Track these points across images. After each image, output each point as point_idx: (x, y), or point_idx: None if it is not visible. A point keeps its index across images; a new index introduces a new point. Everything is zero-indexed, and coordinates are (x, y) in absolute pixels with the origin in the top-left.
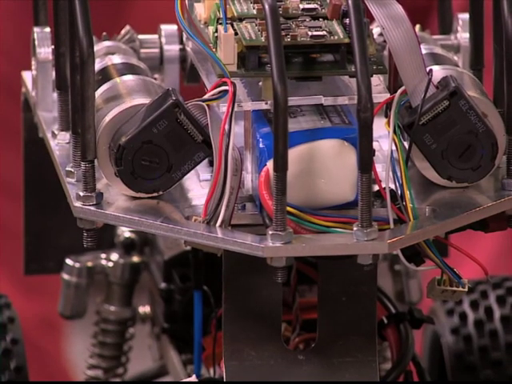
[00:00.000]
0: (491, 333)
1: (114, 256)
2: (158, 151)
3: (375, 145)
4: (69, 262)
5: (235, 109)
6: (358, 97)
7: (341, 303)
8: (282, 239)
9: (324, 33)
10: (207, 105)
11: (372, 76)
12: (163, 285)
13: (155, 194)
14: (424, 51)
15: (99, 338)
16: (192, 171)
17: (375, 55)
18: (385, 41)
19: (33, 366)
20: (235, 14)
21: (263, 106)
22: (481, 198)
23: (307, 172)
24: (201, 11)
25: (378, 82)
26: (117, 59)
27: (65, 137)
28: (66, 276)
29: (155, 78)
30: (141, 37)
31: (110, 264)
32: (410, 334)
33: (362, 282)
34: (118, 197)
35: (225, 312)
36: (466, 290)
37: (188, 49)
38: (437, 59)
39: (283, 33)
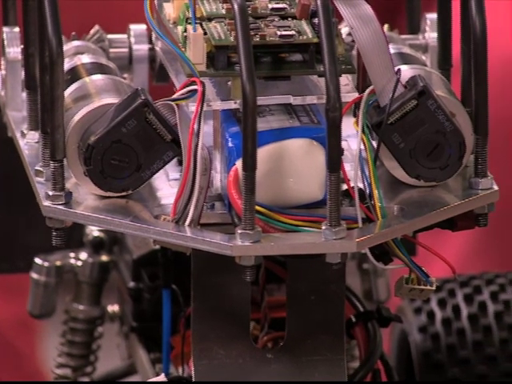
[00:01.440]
0: (459, 331)
1: (83, 255)
2: (127, 150)
3: (344, 144)
4: (38, 261)
5: (204, 108)
6: (326, 96)
7: (309, 302)
8: (250, 238)
9: (293, 32)
10: (176, 104)
11: (341, 75)
12: (132, 284)
13: (124, 194)
14: (392, 51)
15: (68, 337)
16: (161, 170)
17: (344, 55)
18: (353, 40)
19: (6, 366)
20: (204, 14)
21: (232, 105)
22: (449, 196)
23: (276, 171)
24: (170, 11)
25: (346, 81)
26: (86, 59)
27: (34, 136)
28: (34, 275)
29: (124, 78)
30: (110, 36)
31: (79, 263)
32: (377, 332)
33: (330, 280)
34: (87, 196)
35: (193, 311)
36: (434, 288)
37: (157, 48)
38: (405, 59)
39: (252, 32)
